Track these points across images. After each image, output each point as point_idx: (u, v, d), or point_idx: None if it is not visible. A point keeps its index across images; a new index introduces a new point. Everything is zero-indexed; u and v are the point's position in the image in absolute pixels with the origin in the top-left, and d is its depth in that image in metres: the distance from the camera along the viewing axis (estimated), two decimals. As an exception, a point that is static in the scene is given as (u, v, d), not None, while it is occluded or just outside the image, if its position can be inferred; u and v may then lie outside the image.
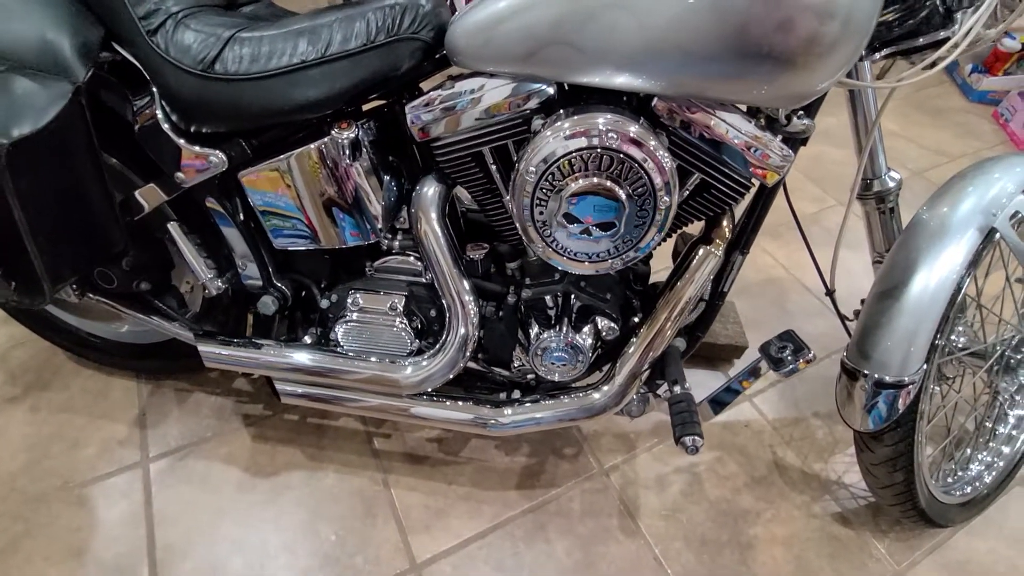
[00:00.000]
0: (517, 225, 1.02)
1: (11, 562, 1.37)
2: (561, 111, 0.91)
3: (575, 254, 0.97)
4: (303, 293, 1.30)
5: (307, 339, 1.35)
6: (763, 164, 0.90)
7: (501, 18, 0.85)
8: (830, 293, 1.26)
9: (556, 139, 0.87)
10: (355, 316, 1.21)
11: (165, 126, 1.02)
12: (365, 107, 1.11)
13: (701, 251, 1.06)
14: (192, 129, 1.02)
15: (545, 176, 0.89)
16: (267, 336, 1.32)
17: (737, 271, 1.13)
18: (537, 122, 0.94)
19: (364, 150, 1.06)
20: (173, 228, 1.15)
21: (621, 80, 0.84)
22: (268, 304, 1.23)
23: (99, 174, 1.04)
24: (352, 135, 1.01)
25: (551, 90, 0.91)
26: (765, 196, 1.03)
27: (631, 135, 0.84)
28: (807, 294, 2.06)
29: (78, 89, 0.94)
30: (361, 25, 0.96)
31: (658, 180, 0.86)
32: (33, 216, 0.91)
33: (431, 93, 0.98)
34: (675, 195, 0.89)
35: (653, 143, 0.85)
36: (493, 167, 1.03)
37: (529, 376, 1.29)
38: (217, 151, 1.04)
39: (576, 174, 0.88)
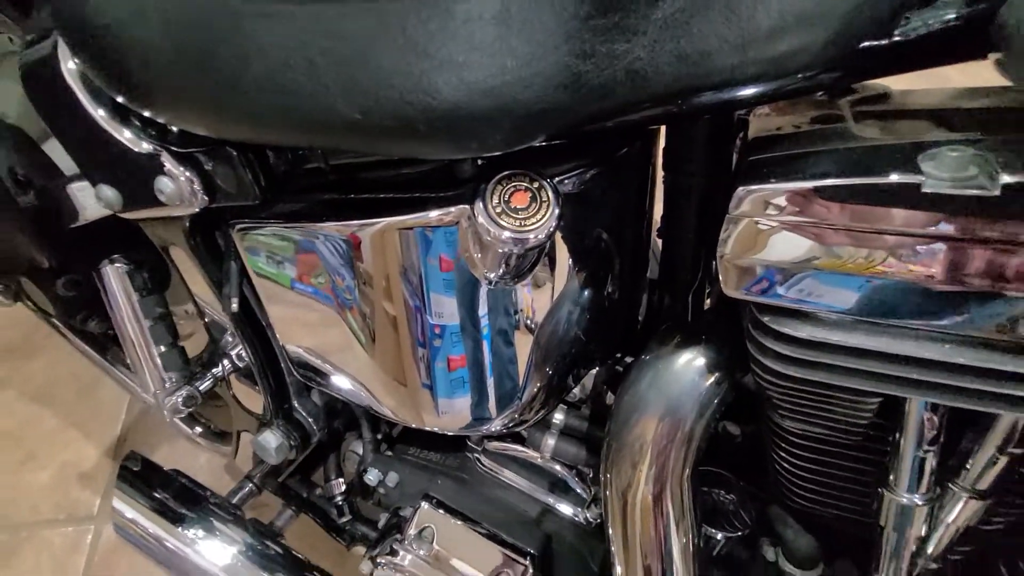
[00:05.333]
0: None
1: None
2: None
3: None
4: (341, 424, 0.69)
5: (337, 487, 0.75)
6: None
7: None
8: None
9: None
10: (415, 563, 0.56)
11: (67, 67, 0.40)
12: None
13: None
14: (122, 100, 0.38)
15: None
16: (276, 471, 0.73)
17: None
18: None
19: (551, 248, 0.38)
20: (112, 276, 0.55)
21: None
22: (269, 448, 0.62)
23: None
24: (542, 234, 0.32)
25: None
26: None
27: None
28: None
29: None
30: None
31: None
32: None
33: (857, 178, 0.27)
34: None
35: None
36: (922, 448, 0.33)
37: None
38: (183, 168, 0.40)
39: None
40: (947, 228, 0.27)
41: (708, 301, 0.51)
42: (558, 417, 0.55)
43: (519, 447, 0.57)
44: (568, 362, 0.49)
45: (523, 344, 0.45)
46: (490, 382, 0.46)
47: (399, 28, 0.27)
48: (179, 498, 0.63)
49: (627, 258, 0.47)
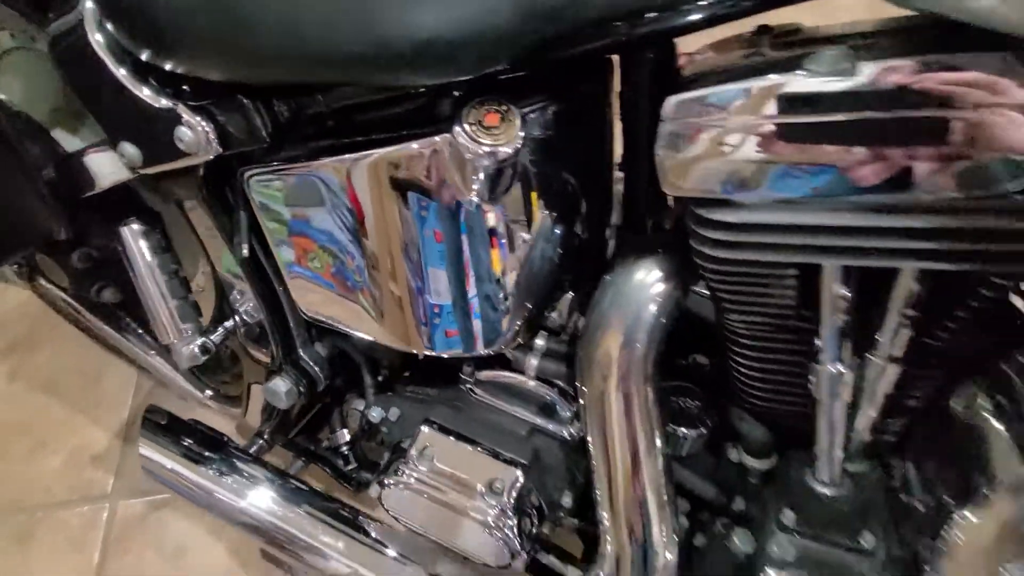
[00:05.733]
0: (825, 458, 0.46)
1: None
2: None
3: None
4: (345, 373, 0.75)
5: (342, 436, 0.81)
6: None
7: None
8: None
9: None
10: (418, 480, 0.63)
11: (95, 38, 0.45)
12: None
13: None
14: (145, 57, 0.44)
15: None
16: (284, 420, 0.79)
17: None
18: None
19: (523, 175, 0.45)
20: (128, 236, 0.61)
21: None
22: (279, 392, 0.68)
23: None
24: (509, 148, 0.39)
25: None
26: None
27: None
28: None
29: None
30: None
31: None
32: None
33: (750, 80, 0.34)
34: None
35: None
36: (837, 314, 0.39)
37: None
38: (199, 117, 0.46)
39: None
40: (837, 115, 0.33)
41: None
42: (539, 342, 0.61)
43: (507, 373, 0.64)
44: (544, 285, 0.55)
45: (504, 266, 0.51)
46: (476, 304, 0.53)
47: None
48: (203, 444, 0.68)
49: (592, 187, 0.54)
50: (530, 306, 0.56)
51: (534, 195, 0.49)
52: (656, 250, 0.50)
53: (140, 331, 0.83)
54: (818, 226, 0.36)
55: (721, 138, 0.35)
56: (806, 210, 0.36)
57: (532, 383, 0.64)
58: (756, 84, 0.33)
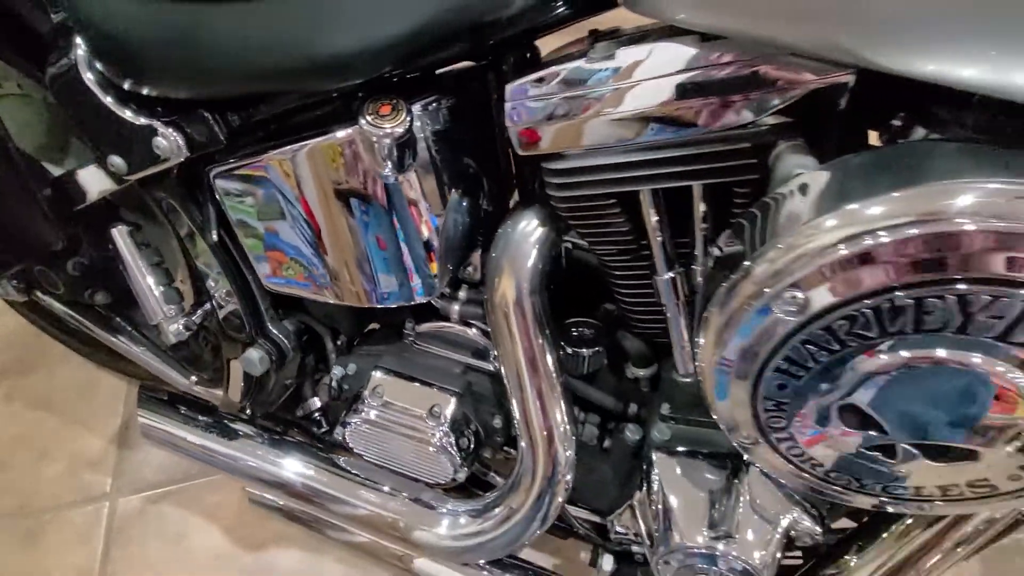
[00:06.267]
0: (679, 353, 0.61)
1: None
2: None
3: (825, 470, 0.46)
4: (310, 346, 0.88)
5: (314, 404, 0.94)
6: None
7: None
8: None
9: (858, 223, 0.35)
10: (373, 415, 0.76)
11: (87, 76, 0.59)
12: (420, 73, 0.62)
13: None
14: (127, 86, 0.58)
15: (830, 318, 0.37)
16: (262, 393, 0.92)
17: None
18: (793, 158, 0.42)
19: (421, 151, 0.59)
20: (118, 235, 0.74)
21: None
22: (253, 360, 0.81)
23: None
24: (400, 128, 0.54)
25: (848, 79, 0.40)
26: None
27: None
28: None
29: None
30: None
31: None
32: None
33: (554, 67, 0.49)
34: None
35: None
36: (656, 231, 0.54)
37: (637, 549, 0.80)
38: (170, 129, 0.60)
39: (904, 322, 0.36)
40: (608, 86, 0.48)
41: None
42: (461, 293, 0.75)
43: (441, 323, 0.78)
44: (459, 244, 0.69)
45: (425, 229, 0.65)
46: (409, 260, 0.66)
47: (302, 14, 0.48)
48: (195, 409, 0.81)
49: (488, 164, 0.69)
50: (449, 264, 0.70)
51: (442, 172, 0.63)
52: (534, 207, 0.65)
53: (129, 329, 0.95)
54: (623, 163, 0.51)
55: (542, 110, 0.50)
56: (612, 153, 0.51)
57: (470, 331, 0.78)
58: (556, 69, 0.49)
